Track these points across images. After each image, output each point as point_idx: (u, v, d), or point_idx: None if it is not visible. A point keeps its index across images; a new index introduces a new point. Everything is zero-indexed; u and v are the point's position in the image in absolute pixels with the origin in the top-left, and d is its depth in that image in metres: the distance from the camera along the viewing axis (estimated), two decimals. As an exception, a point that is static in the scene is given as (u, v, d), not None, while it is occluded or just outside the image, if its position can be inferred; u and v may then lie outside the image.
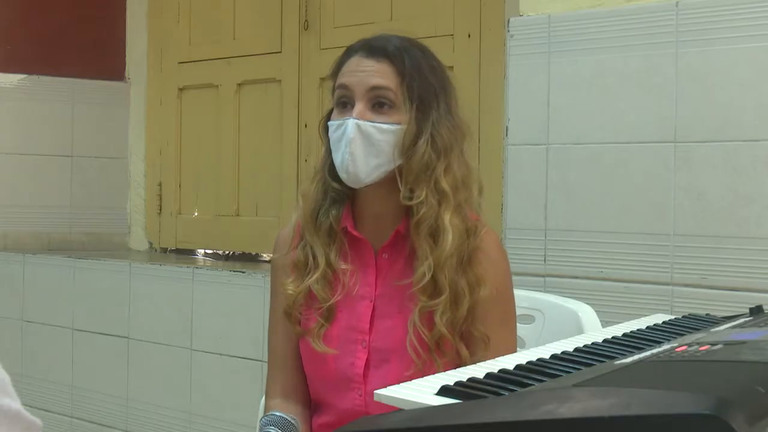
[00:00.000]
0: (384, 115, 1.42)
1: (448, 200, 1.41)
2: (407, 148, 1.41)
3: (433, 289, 1.41)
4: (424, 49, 1.49)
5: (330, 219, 1.48)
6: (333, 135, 1.45)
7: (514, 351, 1.49)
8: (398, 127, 1.41)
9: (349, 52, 1.48)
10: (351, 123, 1.41)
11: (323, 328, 1.46)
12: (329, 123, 1.47)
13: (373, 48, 1.44)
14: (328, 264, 1.47)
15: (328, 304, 1.47)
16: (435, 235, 1.41)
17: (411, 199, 1.42)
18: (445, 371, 1.37)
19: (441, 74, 1.48)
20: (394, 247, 1.48)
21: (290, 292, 1.49)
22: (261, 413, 1.58)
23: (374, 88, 1.41)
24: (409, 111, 1.41)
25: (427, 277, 1.40)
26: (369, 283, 1.48)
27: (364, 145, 1.41)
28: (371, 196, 1.47)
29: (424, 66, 1.45)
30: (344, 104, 1.45)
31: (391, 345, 1.44)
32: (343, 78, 1.45)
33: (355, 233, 1.49)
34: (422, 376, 1.37)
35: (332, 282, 1.48)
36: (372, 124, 1.41)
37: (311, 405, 1.57)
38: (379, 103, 1.42)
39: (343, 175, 1.44)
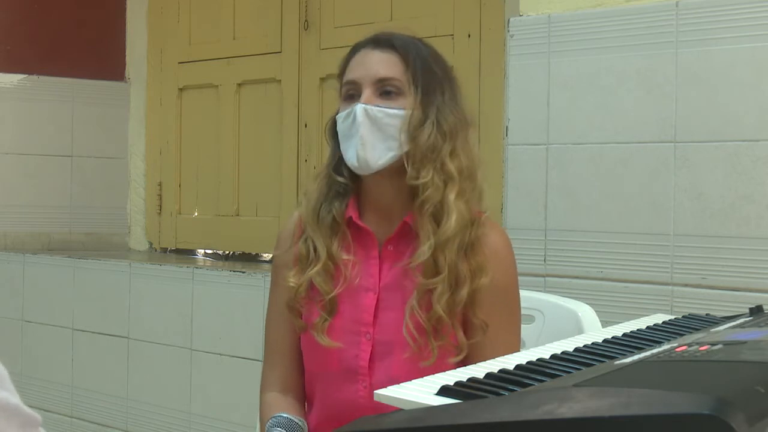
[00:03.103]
0: (391, 101, 1.46)
1: (454, 181, 1.43)
2: (414, 131, 1.44)
3: (433, 269, 1.42)
4: (429, 46, 1.54)
5: (333, 212, 1.50)
6: (342, 126, 1.48)
7: (517, 345, 1.50)
8: (405, 111, 1.45)
9: (356, 47, 1.52)
10: (359, 108, 1.44)
11: (326, 322, 1.47)
12: (337, 116, 1.50)
13: (379, 40, 1.49)
14: (329, 256, 1.48)
15: (330, 296, 1.47)
16: (438, 216, 1.42)
17: (417, 179, 1.43)
18: (439, 355, 1.38)
19: (445, 67, 1.53)
20: (400, 239, 1.48)
21: (291, 284, 1.50)
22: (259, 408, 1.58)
23: (381, 79, 1.45)
24: (415, 96, 1.45)
25: (427, 255, 1.41)
26: (373, 274, 1.49)
27: (372, 130, 1.44)
28: (377, 187, 1.49)
29: (429, 58, 1.49)
30: (351, 97, 1.48)
31: (394, 337, 1.45)
32: (351, 73, 1.49)
33: (360, 224, 1.50)
34: (419, 360, 1.38)
35: (334, 274, 1.49)
36: (379, 108, 1.44)
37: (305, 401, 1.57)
38: (386, 92, 1.46)
39: (353, 163, 1.46)
